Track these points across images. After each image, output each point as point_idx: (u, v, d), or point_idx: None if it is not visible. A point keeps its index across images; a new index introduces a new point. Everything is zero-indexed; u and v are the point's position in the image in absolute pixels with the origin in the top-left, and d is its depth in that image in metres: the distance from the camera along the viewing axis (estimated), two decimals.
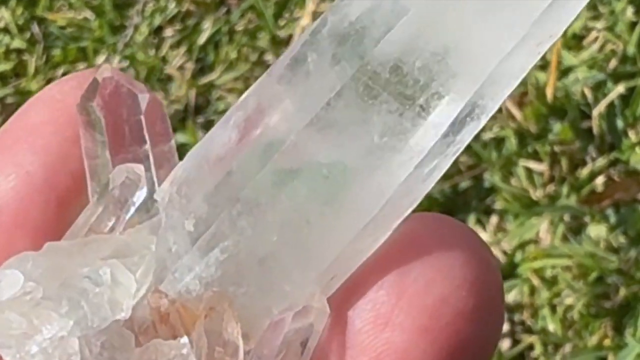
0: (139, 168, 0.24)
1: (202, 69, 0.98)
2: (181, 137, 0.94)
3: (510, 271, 0.83)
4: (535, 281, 0.83)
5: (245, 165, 0.22)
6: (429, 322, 0.24)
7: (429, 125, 0.22)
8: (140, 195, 0.24)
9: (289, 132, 0.22)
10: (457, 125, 0.22)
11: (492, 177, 0.86)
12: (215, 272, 0.22)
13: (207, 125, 0.95)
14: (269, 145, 0.22)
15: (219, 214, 0.22)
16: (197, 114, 0.96)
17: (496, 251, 0.84)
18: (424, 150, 0.22)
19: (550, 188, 0.86)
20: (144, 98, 0.25)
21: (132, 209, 0.24)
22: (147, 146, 0.25)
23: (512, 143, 0.87)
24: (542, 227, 0.84)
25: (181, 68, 0.98)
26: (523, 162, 0.86)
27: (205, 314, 0.22)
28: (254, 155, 0.22)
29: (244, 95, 0.23)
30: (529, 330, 0.83)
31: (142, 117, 0.25)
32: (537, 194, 0.85)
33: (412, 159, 0.22)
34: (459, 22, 0.22)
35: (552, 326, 0.81)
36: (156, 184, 0.25)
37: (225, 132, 0.23)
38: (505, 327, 0.83)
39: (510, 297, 0.83)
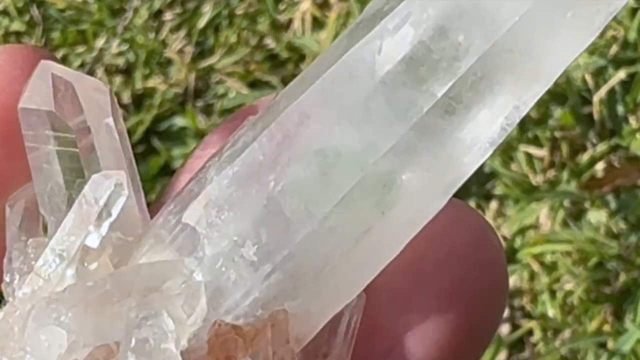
0: (121, 175, 0.23)
1: (202, 52, 0.98)
2: (181, 121, 0.94)
3: (510, 256, 0.83)
4: (535, 266, 0.83)
5: (294, 179, 0.21)
6: (446, 303, 0.24)
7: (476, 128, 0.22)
8: (120, 203, 0.23)
9: (339, 140, 0.21)
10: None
11: (492, 162, 0.86)
12: (274, 292, 0.22)
13: (207, 109, 0.95)
14: (318, 154, 0.21)
15: (275, 234, 0.22)
16: (197, 97, 0.96)
17: None
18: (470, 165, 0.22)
19: (551, 173, 0.86)
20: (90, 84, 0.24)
21: (112, 218, 0.23)
22: (92, 136, 0.24)
23: None
24: (542, 213, 0.84)
25: (181, 51, 0.98)
26: (523, 148, 0.86)
27: (267, 332, 0.22)
28: (301, 166, 0.21)
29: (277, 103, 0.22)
30: (529, 316, 0.83)
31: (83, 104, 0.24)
32: (537, 180, 0.85)
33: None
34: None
35: (551, 311, 0.82)
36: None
37: (259, 149, 0.22)
38: (505, 312, 0.83)
39: (510, 283, 0.83)
